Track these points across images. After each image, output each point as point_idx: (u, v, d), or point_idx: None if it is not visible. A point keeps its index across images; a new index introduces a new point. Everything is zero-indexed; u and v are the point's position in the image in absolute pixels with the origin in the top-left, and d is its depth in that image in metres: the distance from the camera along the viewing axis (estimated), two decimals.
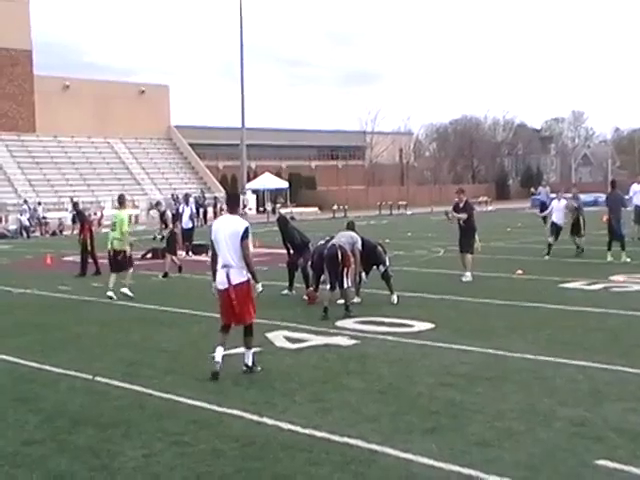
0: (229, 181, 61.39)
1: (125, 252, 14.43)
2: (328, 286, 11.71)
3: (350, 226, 12.55)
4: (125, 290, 14.11)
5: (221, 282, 7.92)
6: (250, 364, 8.09)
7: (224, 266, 7.86)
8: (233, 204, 8.36)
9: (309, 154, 79.19)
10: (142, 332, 10.76)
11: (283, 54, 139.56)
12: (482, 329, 10.31)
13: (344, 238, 11.96)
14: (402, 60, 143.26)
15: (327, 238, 12.83)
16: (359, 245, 11.95)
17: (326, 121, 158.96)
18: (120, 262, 14.39)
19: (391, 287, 12.70)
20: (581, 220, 19.76)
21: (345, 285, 11.56)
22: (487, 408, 6.63)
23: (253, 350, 8.17)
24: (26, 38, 54.54)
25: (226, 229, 7.91)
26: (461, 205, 15.47)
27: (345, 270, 11.52)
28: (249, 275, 7.94)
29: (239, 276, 7.85)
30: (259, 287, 8.12)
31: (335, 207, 50.51)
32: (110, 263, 14.64)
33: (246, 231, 7.84)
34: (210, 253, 8.42)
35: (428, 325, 10.51)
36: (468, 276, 15.19)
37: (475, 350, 8.92)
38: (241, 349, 9.17)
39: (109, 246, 14.58)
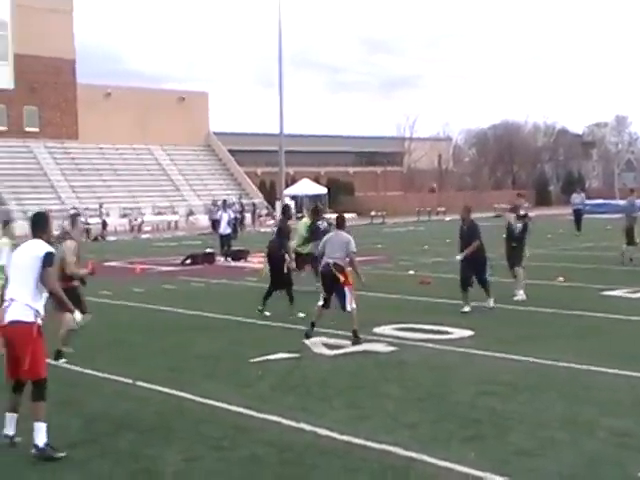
0: (267, 187, 61.72)
1: None
2: (321, 302, 10.43)
3: (340, 223, 10.91)
4: None
5: (1, 318, 6.12)
6: (41, 444, 5.82)
7: (8, 299, 6.14)
8: (37, 226, 6.41)
9: (347, 160, 79.18)
10: (183, 337, 10.85)
11: (321, 60, 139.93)
12: (522, 337, 10.19)
13: (337, 248, 10.42)
14: (440, 65, 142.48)
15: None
16: (353, 246, 10.41)
17: (364, 127, 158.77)
18: None
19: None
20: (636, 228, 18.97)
21: (349, 308, 10.15)
22: (528, 417, 6.55)
23: (44, 423, 5.88)
24: (70, 48, 55.51)
25: (22, 256, 6.22)
26: (522, 211, 14.02)
27: (346, 288, 10.20)
28: (38, 317, 6.08)
29: (19, 313, 6.02)
30: (77, 316, 6.43)
31: (373, 213, 50.43)
32: None
33: (48, 257, 6.13)
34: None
35: (468, 332, 10.42)
36: (521, 294, 13.42)
37: (516, 358, 8.82)
38: (281, 354, 9.25)
39: None
